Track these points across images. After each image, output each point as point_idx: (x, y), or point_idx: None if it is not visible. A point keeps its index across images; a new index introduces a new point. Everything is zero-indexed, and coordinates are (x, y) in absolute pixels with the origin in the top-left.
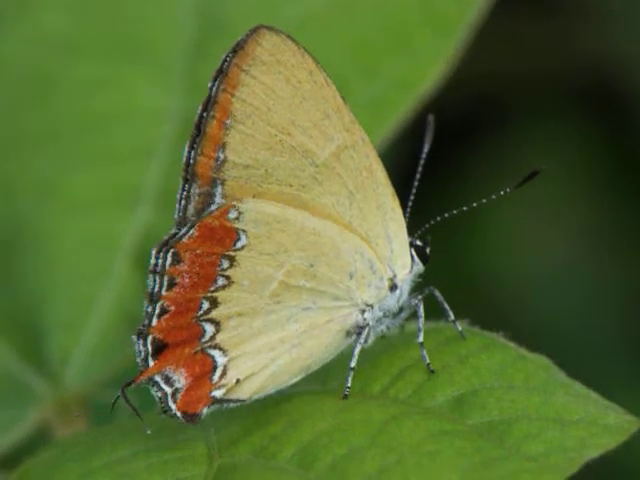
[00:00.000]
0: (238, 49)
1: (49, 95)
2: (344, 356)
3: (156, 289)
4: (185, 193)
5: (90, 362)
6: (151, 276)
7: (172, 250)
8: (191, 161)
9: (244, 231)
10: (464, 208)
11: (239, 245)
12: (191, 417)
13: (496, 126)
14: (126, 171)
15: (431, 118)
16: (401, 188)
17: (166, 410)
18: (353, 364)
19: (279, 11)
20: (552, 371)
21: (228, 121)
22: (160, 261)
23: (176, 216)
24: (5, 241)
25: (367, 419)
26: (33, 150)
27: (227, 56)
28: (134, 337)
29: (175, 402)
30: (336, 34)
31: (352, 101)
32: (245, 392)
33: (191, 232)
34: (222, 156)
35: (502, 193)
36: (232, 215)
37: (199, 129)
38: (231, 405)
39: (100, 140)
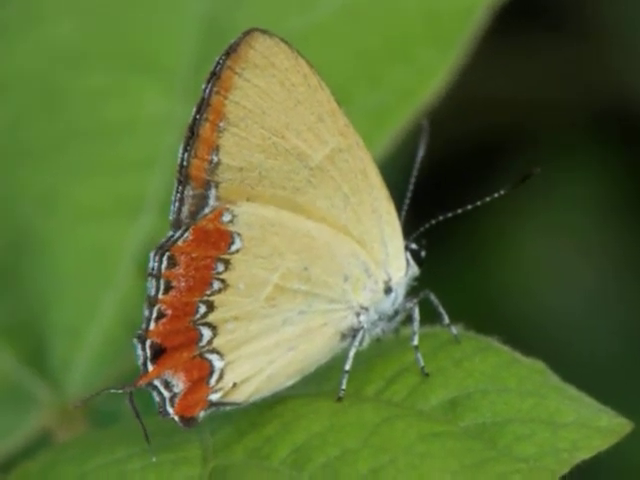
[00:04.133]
0: (231, 52)
1: (56, 105)
2: (340, 359)
3: (153, 293)
4: (179, 195)
5: (92, 368)
6: (149, 280)
7: (167, 253)
8: (185, 163)
9: (238, 234)
10: (459, 210)
11: (234, 248)
12: (188, 421)
13: (517, 153)
14: (130, 180)
15: (426, 124)
16: (403, 198)
17: (164, 414)
18: (348, 367)
19: (285, 21)
20: (546, 375)
21: (221, 124)
22: (156, 264)
23: (170, 218)
24: (10, 248)
25: (360, 421)
26: (40, 159)
27: (220, 59)
28: (134, 340)
29: (173, 406)
30: (339, 43)
31: (354, 109)
32: (241, 395)
33: (186, 235)
34: (216, 159)
35: (496, 195)
36: (226, 218)
37: (192, 132)
38: (227, 408)
39: (105, 149)
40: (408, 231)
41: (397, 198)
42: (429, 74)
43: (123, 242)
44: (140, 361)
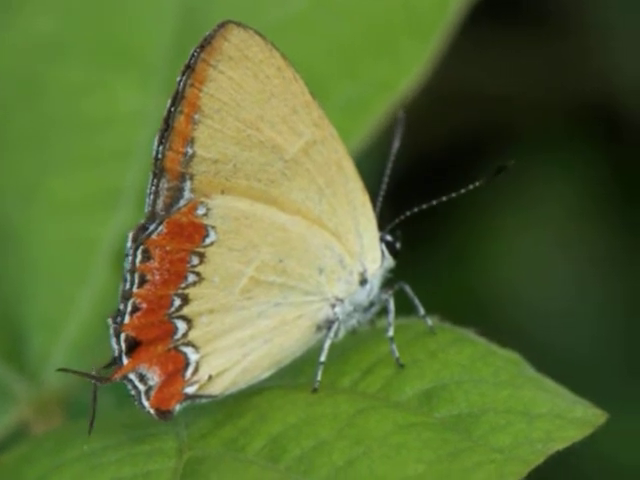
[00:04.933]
0: (205, 44)
1: (35, 98)
2: (315, 352)
3: (128, 286)
4: (154, 188)
5: (69, 361)
6: (124, 273)
7: (142, 247)
8: (159, 156)
9: (213, 227)
10: (433, 202)
11: (208, 241)
12: (164, 414)
13: (499, 150)
14: (107, 173)
15: (402, 115)
16: (379, 190)
17: (139, 407)
18: (323, 358)
19: (262, 14)
20: (521, 366)
21: (196, 116)
22: (130, 258)
23: (146, 210)
24: None
25: (335, 412)
26: (18, 152)
27: (195, 51)
28: (109, 320)
29: (148, 399)
30: (316, 36)
31: (331, 102)
32: (217, 388)
33: (160, 229)
34: (190, 151)
35: (471, 187)
36: (200, 211)
37: (167, 124)
38: (203, 401)
39: (82, 143)
40: (384, 223)
41: (373, 191)
42: (406, 66)
43: (100, 235)
44: (115, 354)
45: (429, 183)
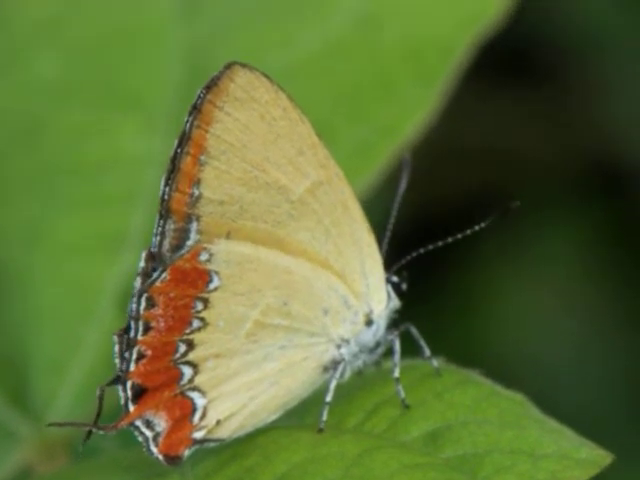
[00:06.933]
0: (212, 85)
1: (38, 141)
2: (321, 392)
3: (132, 334)
4: (160, 229)
5: (74, 403)
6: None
7: (146, 294)
8: (166, 197)
9: (216, 272)
10: (439, 243)
11: (212, 286)
12: (173, 459)
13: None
14: (112, 216)
15: (408, 157)
16: (383, 232)
17: (148, 453)
18: (329, 399)
19: (266, 59)
20: (526, 407)
21: (202, 157)
22: (135, 306)
23: (152, 251)
24: None
25: (341, 452)
26: (22, 195)
27: (201, 92)
28: (115, 338)
29: (157, 445)
30: (321, 80)
31: (336, 146)
32: (225, 432)
33: (163, 276)
34: (197, 192)
35: (477, 228)
36: (203, 257)
37: (174, 165)
38: (212, 445)
39: (87, 186)
40: (390, 265)
41: (380, 232)
42: (411, 111)
43: (105, 277)
44: (122, 402)
45: (428, 224)
